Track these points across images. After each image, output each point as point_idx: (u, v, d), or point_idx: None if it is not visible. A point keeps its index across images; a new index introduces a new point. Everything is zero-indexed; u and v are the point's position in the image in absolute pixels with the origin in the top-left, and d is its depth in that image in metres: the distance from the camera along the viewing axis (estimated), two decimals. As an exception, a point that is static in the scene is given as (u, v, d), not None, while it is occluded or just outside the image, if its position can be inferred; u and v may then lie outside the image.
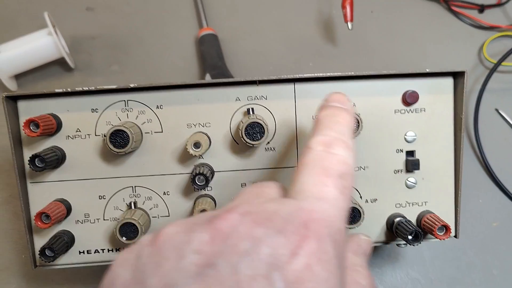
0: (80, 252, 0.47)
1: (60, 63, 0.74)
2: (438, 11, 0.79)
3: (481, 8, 0.77)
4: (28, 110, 0.44)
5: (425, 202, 0.48)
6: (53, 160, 0.43)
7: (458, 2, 0.77)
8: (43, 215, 0.42)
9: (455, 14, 0.77)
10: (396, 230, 0.45)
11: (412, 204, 0.48)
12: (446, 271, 0.64)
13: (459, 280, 0.64)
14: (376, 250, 0.64)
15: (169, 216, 0.47)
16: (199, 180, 0.42)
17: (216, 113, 0.45)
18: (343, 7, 0.68)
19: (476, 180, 0.68)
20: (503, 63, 0.67)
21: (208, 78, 0.68)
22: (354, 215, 0.43)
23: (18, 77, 0.73)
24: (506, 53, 0.67)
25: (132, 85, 0.43)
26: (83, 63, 0.75)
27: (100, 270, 0.62)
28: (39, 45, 0.67)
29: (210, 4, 0.79)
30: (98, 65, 0.76)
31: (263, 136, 0.42)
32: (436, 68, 0.45)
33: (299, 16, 0.79)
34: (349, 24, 0.68)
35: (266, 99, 0.45)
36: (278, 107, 0.46)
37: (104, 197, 0.46)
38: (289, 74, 0.45)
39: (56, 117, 0.44)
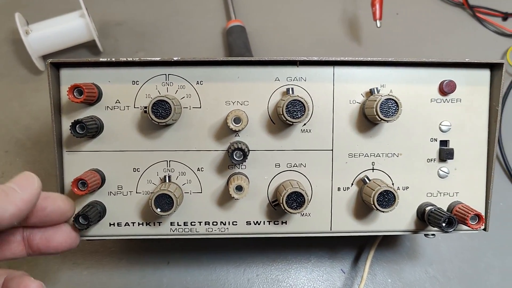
0: (110, 224, 0.46)
1: (87, 47, 0.75)
2: (462, 17, 0.80)
3: (505, 16, 0.78)
4: (70, 78, 0.45)
5: (456, 193, 0.48)
6: (93, 128, 0.43)
7: (483, 9, 0.78)
8: (79, 182, 0.42)
9: (480, 20, 0.78)
10: (428, 218, 0.45)
11: (444, 194, 0.48)
12: (465, 271, 0.64)
13: (476, 281, 0.63)
14: (395, 247, 0.64)
15: (201, 192, 0.47)
16: (237, 155, 0.43)
17: (255, 91, 0.46)
18: (373, 5, 0.69)
19: (498, 184, 0.68)
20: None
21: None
22: (389, 199, 0.43)
23: (46, 58, 0.73)
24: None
25: (175, 58, 0.44)
26: (110, 47, 0.76)
27: (127, 246, 0.62)
28: (71, 26, 0.68)
29: (238, -3, 0.80)
30: (124, 50, 0.76)
31: (303, 114, 0.42)
32: (475, 59, 0.46)
33: (324, 14, 0.80)
34: (378, 22, 0.69)
35: (305, 80, 0.46)
36: (316, 90, 0.46)
37: (138, 170, 0.46)
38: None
39: (97, 87, 0.44)
